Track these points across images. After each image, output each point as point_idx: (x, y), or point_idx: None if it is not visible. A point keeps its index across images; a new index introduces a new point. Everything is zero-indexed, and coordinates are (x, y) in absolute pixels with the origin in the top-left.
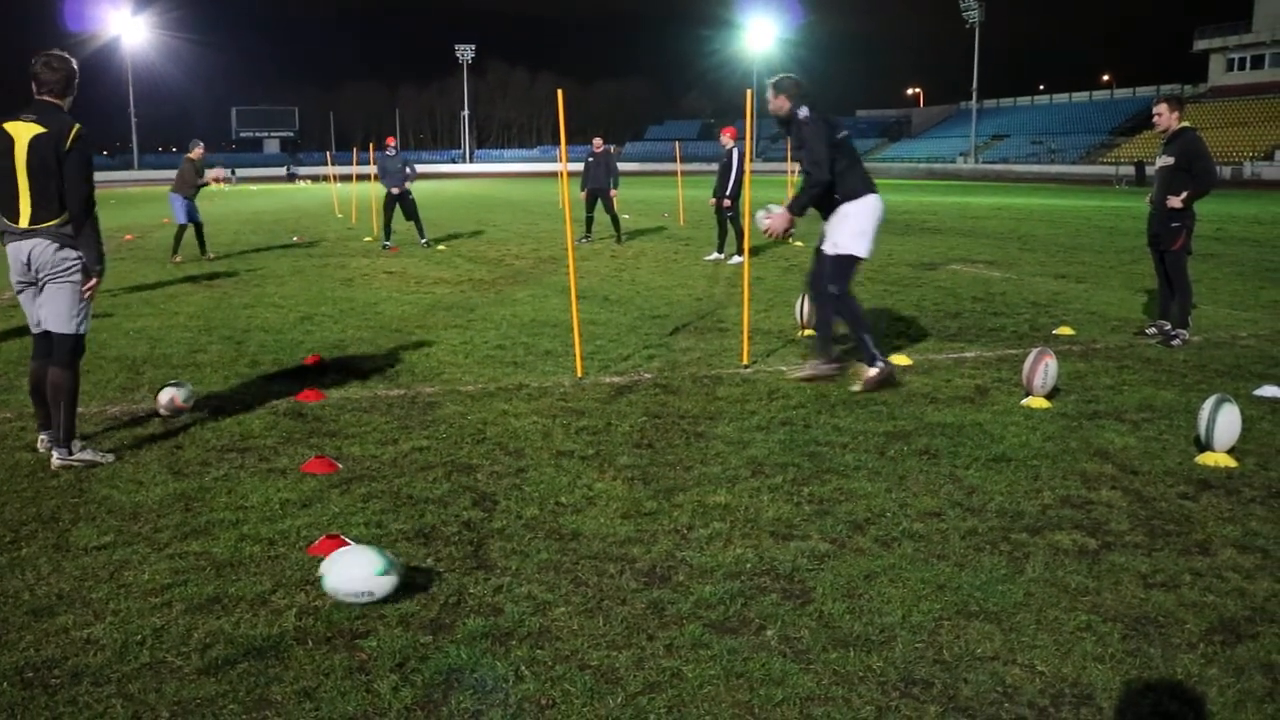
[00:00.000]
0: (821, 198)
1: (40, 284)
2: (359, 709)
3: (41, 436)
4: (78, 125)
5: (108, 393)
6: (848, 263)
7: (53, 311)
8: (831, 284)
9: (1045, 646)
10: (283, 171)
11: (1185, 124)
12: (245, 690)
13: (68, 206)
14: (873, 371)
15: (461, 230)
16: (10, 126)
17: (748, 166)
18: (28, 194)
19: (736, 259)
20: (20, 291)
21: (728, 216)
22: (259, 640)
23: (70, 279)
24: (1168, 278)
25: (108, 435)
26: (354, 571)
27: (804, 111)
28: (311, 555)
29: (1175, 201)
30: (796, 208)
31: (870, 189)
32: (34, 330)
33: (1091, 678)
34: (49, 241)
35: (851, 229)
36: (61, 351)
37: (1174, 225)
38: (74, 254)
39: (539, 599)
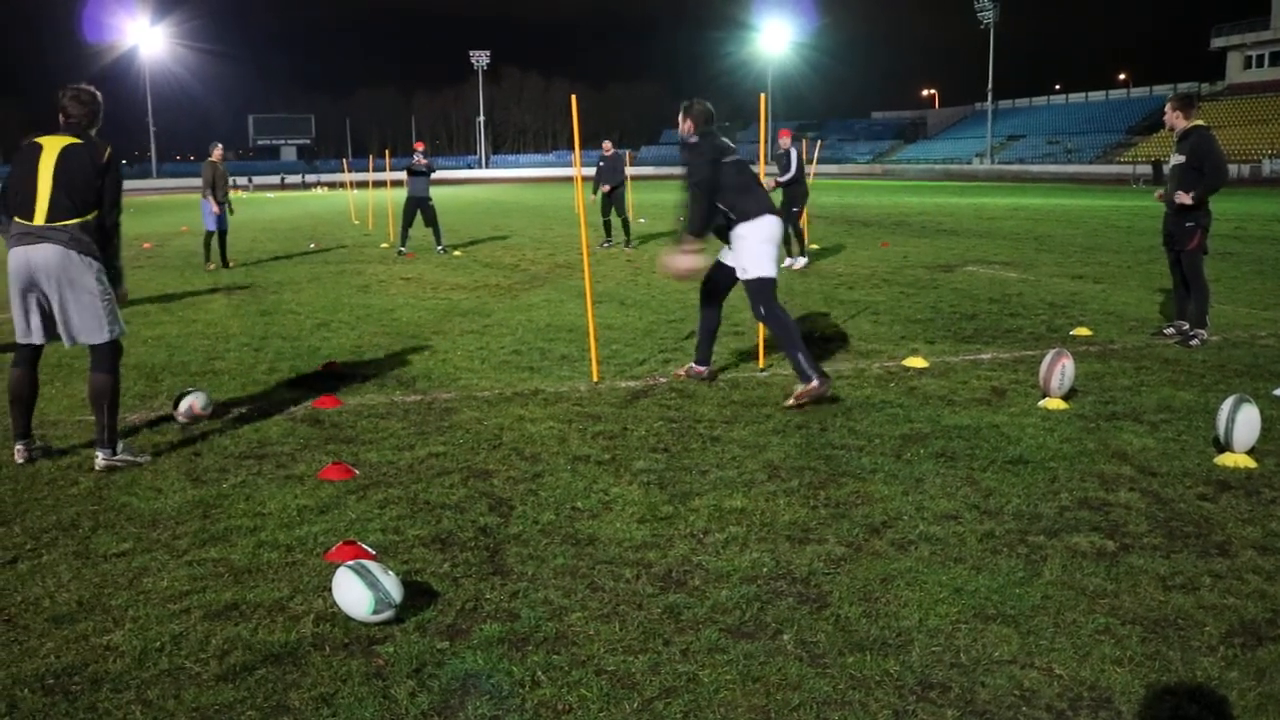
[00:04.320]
0: (713, 217)
1: (57, 297)
2: (376, 715)
3: (18, 446)
4: (110, 147)
5: (126, 400)
6: (767, 284)
7: (84, 324)
8: (760, 306)
9: (1063, 650)
10: (277, 179)
11: (1198, 122)
12: (263, 696)
13: (104, 219)
14: (812, 384)
15: (478, 235)
16: (43, 139)
17: (761, 167)
18: (48, 193)
19: (802, 260)
20: (21, 297)
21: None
22: (277, 646)
23: (91, 289)
24: (1184, 277)
25: (127, 442)
26: (352, 610)
27: (694, 138)
28: (329, 562)
29: (1184, 198)
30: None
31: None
32: (20, 340)
33: (1110, 681)
34: (63, 248)
35: (752, 252)
36: (101, 359)
37: (1189, 225)
38: (93, 262)
39: (555, 604)
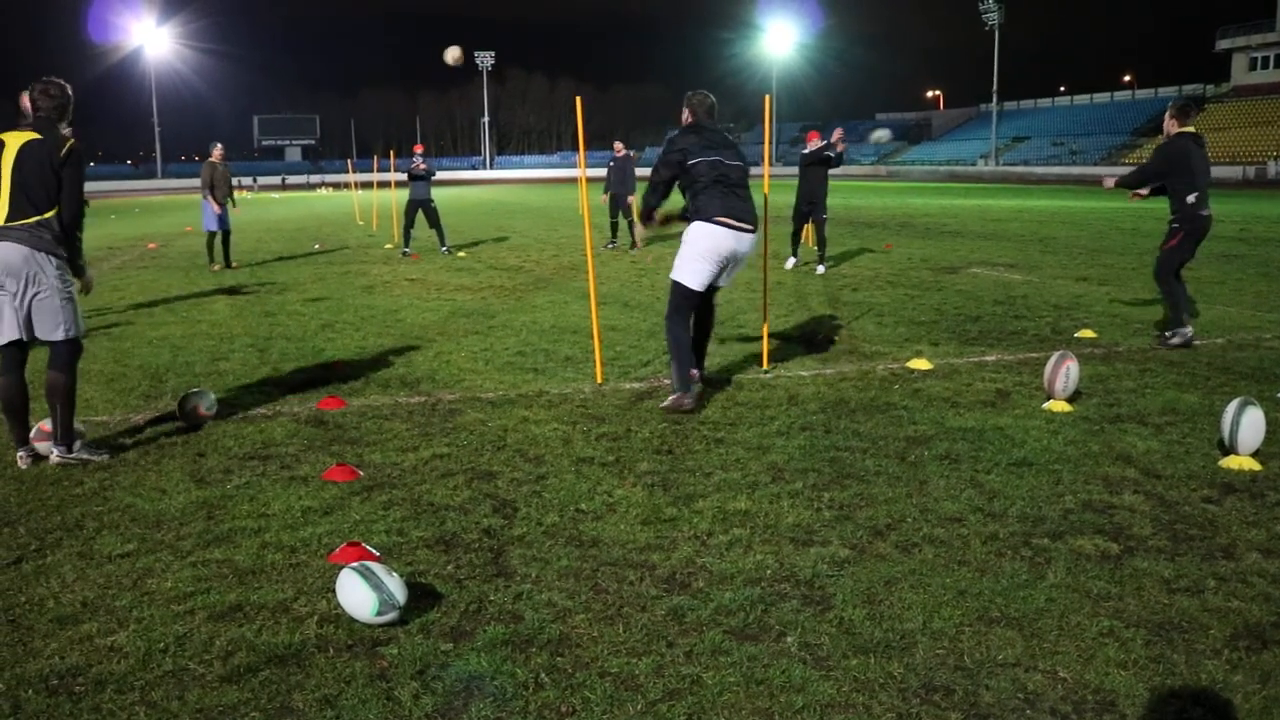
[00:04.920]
0: (659, 200)
1: (20, 295)
2: (380, 716)
3: (20, 453)
4: (72, 140)
5: (131, 400)
6: (677, 289)
7: (44, 322)
8: (668, 307)
9: (1067, 653)
10: (278, 180)
11: (1187, 129)
12: (267, 698)
13: (64, 215)
14: (673, 396)
15: (482, 237)
16: (6, 135)
17: (765, 168)
18: (8, 193)
19: (820, 269)
20: None
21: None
22: (281, 648)
23: (52, 286)
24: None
25: (131, 443)
26: (356, 611)
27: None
28: (332, 563)
29: (1107, 182)
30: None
31: (715, 216)
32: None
33: (1114, 684)
34: (23, 247)
35: (684, 256)
36: (59, 357)
37: (1173, 225)
38: (53, 260)
39: (559, 606)
